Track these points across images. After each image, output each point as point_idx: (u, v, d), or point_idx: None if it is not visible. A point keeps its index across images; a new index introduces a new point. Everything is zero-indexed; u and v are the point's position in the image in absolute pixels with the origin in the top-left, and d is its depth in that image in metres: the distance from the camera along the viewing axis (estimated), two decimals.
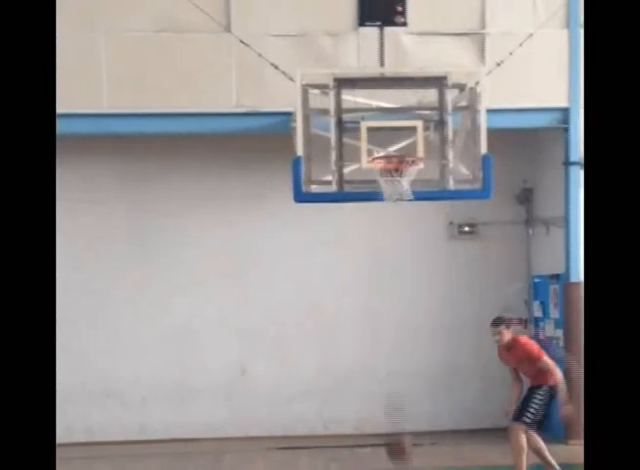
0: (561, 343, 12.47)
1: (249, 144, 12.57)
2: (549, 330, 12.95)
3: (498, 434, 12.62)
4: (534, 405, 9.35)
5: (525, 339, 9.72)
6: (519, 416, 9.34)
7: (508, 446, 11.92)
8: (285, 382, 13.16)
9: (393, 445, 9.41)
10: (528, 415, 9.33)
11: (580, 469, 10.65)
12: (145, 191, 13.13)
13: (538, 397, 9.36)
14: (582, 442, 11.50)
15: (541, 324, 13.20)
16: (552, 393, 9.40)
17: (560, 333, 12.53)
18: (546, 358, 9.43)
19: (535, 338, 13.28)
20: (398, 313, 13.40)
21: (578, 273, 12.16)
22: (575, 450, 11.51)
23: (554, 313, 12.80)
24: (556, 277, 12.66)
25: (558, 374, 9.40)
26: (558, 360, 12.41)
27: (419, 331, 13.32)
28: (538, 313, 13.28)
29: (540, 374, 9.44)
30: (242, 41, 11.23)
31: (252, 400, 13.12)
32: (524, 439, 9.28)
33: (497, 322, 9.60)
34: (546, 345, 12.90)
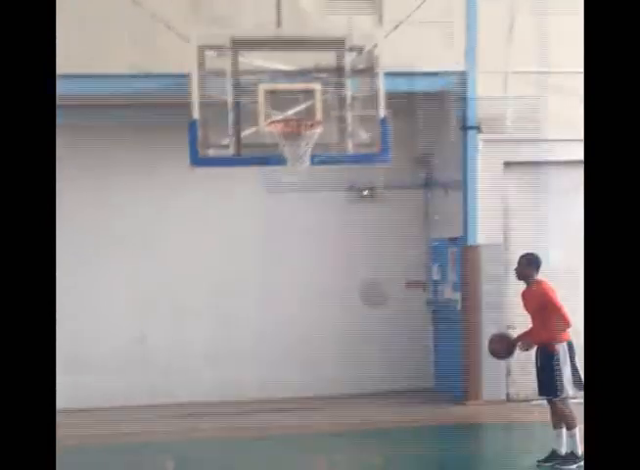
0: (458, 305, 12.62)
1: (142, 108, 12.27)
2: (447, 293, 13.10)
3: (397, 396, 12.83)
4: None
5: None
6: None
7: (411, 409, 12.13)
8: (185, 348, 13.03)
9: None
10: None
11: (476, 428, 11.02)
12: None
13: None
14: (479, 402, 11.79)
15: (440, 287, 13.33)
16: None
17: (458, 296, 12.68)
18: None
19: (434, 301, 13.49)
20: (301, 278, 13.36)
21: (476, 237, 12.32)
22: (473, 411, 11.78)
23: (452, 276, 12.94)
24: (454, 240, 12.79)
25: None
26: (455, 321, 12.66)
27: (323, 295, 13.31)
28: (437, 277, 13.41)
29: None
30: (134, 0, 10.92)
31: (153, 368, 12.95)
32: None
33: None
34: (444, 307, 13.13)
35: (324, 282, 13.37)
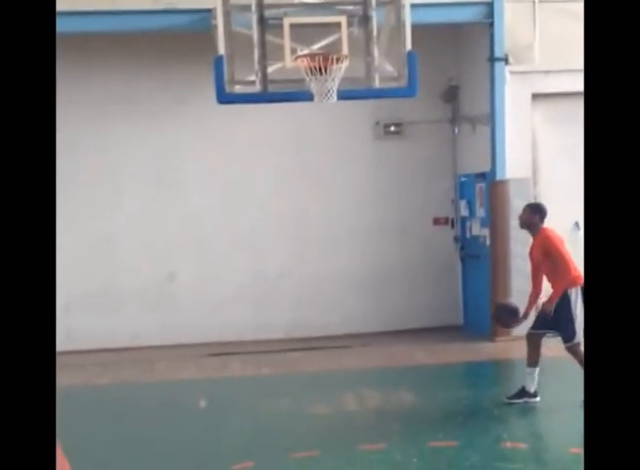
0: (487, 241, 12.52)
1: (168, 44, 12.12)
2: (475, 229, 12.99)
3: (425, 334, 12.83)
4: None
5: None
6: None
7: (440, 346, 12.14)
8: (213, 288, 13.01)
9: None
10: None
11: (506, 365, 11.00)
12: (57, 94, 12.59)
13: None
14: (508, 338, 11.77)
15: (468, 223, 13.22)
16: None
17: (486, 232, 12.58)
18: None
19: (462, 237, 13.39)
20: (326, 216, 13.30)
21: (504, 171, 12.16)
22: (502, 347, 11.75)
23: (480, 212, 12.82)
24: (482, 176, 12.63)
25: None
26: (484, 258, 12.58)
27: (347, 233, 13.27)
28: (465, 212, 13.29)
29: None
30: None
31: (181, 307, 12.98)
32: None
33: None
34: (472, 243, 13.04)
35: (350, 219, 13.29)
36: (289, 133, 13.10)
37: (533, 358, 8.80)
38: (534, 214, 8.82)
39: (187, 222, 12.94)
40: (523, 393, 8.83)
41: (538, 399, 8.80)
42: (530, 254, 8.94)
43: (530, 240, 8.97)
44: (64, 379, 10.87)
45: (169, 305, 12.94)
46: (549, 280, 8.82)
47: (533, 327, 8.87)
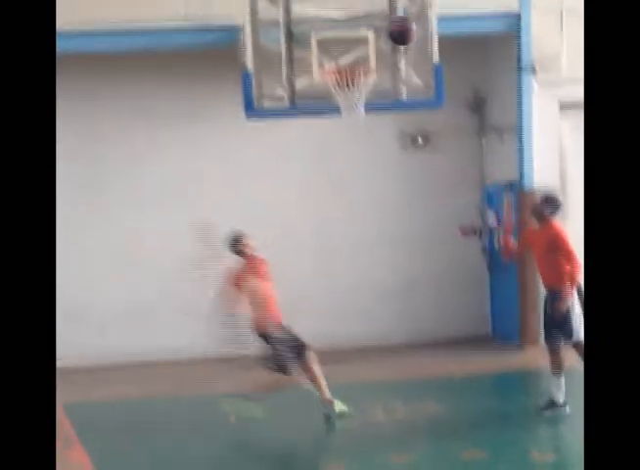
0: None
1: (197, 60, 12.24)
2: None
3: (454, 345, 12.82)
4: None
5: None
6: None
7: (468, 357, 12.11)
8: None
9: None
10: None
11: (536, 374, 10.98)
12: (90, 110, 12.79)
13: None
14: (537, 347, 11.72)
15: (496, 233, 13.21)
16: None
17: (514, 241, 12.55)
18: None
19: (490, 247, 13.39)
20: (351, 226, 13.33)
21: (532, 181, 12.17)
22: (531, 356, 11.73)
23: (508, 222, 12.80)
24: (510, 186, 12.64)
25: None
26: (511, 268, 12.56)
27: (373, 243, 13.29)
28: (493, 222, 13.28)
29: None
30: None
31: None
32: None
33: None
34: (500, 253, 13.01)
35: (376, 229, 13.32)
36: (313, 143, 13.16)
37: (556, 366, 8.78)
38: (546, 204, 8.86)
39: (211, 234, 13.00)
40: (552, 403, 8.83)
41: (568, 409, 8.80)
42: (532, 244, 8.94)
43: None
44: (97, 393, 11.07)
45: (200, 319, 12.99)
46: (544, 274, 8.80)
47: (547, 334, 8.87)
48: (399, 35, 9.06)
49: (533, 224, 9.29)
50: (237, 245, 9.25)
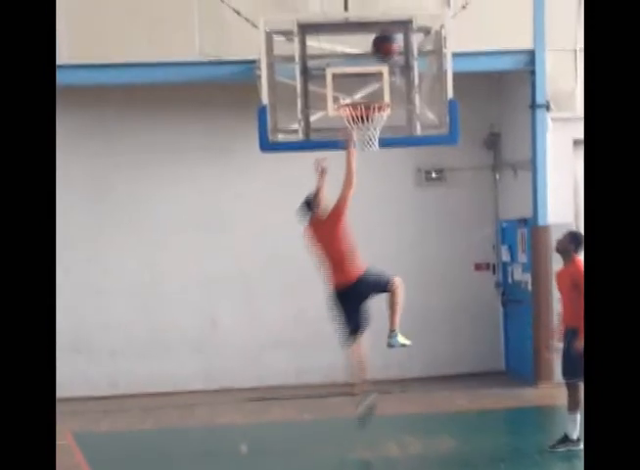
0: (529, 287, 12.51)
1: (212, 94, 12.37)
2: (517, 274, 12.99)
3: (467, 380, 12.79)
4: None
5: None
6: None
7: (481, 392, 12.05)
8: (254, 333, 13.10)
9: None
10: None
11: (550, 411, 10.92)
12: (106, 143, 12.91)
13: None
14: (551, 384, 11.64)
15: (509, 268, 13.22)
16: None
17: (528, 277, 12.57)
18: None
19: (504, 282, 13.38)
20: (366, 260, 13.31)
21: (546, 217, 12.19)
22: (545, 393, 11.68)
23: (522, 258, 12.83)
24: (523, 221, 12.66)
25: None
26: (525, 303, 12.55)
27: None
28: (506, 258, 13.30)
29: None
30: None
31: (223, 352, 13.07)
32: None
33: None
34: (514, 289, 13.02)
35: (391, 264, 13.27)
36: (330, 178, 13.17)
37: (573, 403, 8.74)
38: (571, 243, 8.85)
39: (230, 268, 13.06)
40: (565, 440, 8.78)
41: (582, 446, 8.73)
42: (558, 282, 8.96)
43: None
44: (107, 424, 11.09)
45: (211, 350, 13.04)
46: (566, 311, 8.76)
47: (565, 371, 8.81)
48: (381, 48, 9.11)
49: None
50: (313, 203, 9.13)
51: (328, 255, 8.95)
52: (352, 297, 8.95)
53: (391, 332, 9.15)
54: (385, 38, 9.21)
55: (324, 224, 8.84)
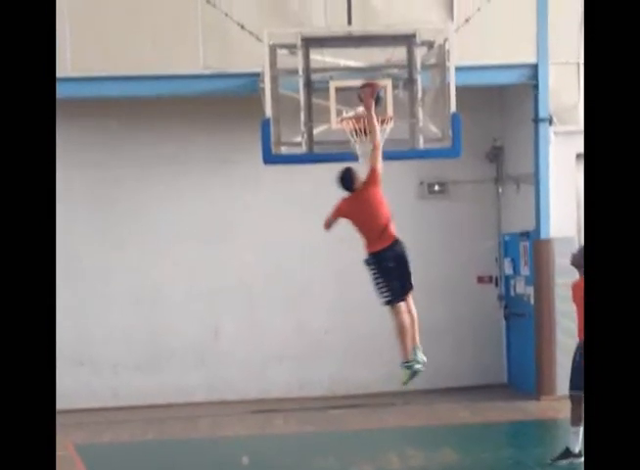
0: (531, 300, 12.52)
1: (215, 106, 12.42)
2: (519, 287, 13.00)
3: (469, 392, 12.79)
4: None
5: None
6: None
7: (484, 405, 12.05)
8: (257, 344, 13.12)
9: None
10: None
11: (552, 424, 10.91)
12: (110, 155, 12.96)
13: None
14: (553, 397, 11.63)
15: (512, 281, 13.24)
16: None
17: (530, 290, 12.58)
18: None
19: (506, 295, 13.39)
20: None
21: (548, 230, 12.21)
22: (547, 406, 11.67)
23: (524, 271, 12.84)
24: (526, 235, 12.69)
25: None
26: (528, 316, 12.56)
27: None
28: (509, 271, 13.32)
29: None
30: (207, 1, 11.07)
31: (225, 364, 13.08)
32: None
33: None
34: (517, 302, 13.03)
35: None
36: (332, 192, 13.19)
37: (577, 416, 8.73)
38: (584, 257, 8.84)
39: (233, 280, 13.09)
40: (567, 453, 8.77)
41: (583, 459, 8.73)
42: (573, 295, 8.96)
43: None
44: (109, 435, 11.10)
45: (214, 362, 13.06)
46: (580, 325, 8.72)
47: (573, 384, 8.81)
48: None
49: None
50: (351, 179, 8.98)
51: (368, 222, 8.96)
52: (392, 257, 8.97)
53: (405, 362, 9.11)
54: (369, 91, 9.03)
55: (362, 193, 8.87)
